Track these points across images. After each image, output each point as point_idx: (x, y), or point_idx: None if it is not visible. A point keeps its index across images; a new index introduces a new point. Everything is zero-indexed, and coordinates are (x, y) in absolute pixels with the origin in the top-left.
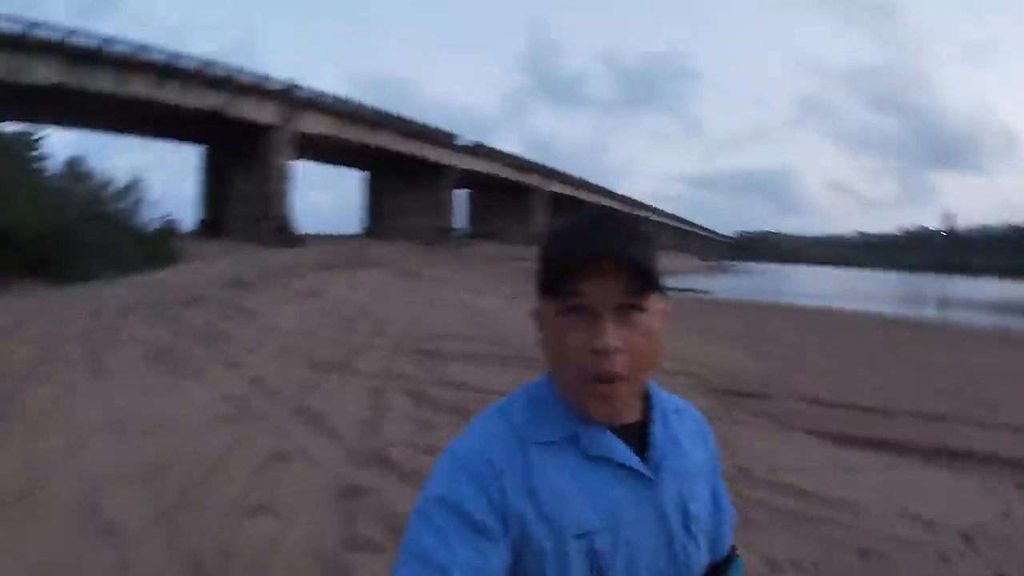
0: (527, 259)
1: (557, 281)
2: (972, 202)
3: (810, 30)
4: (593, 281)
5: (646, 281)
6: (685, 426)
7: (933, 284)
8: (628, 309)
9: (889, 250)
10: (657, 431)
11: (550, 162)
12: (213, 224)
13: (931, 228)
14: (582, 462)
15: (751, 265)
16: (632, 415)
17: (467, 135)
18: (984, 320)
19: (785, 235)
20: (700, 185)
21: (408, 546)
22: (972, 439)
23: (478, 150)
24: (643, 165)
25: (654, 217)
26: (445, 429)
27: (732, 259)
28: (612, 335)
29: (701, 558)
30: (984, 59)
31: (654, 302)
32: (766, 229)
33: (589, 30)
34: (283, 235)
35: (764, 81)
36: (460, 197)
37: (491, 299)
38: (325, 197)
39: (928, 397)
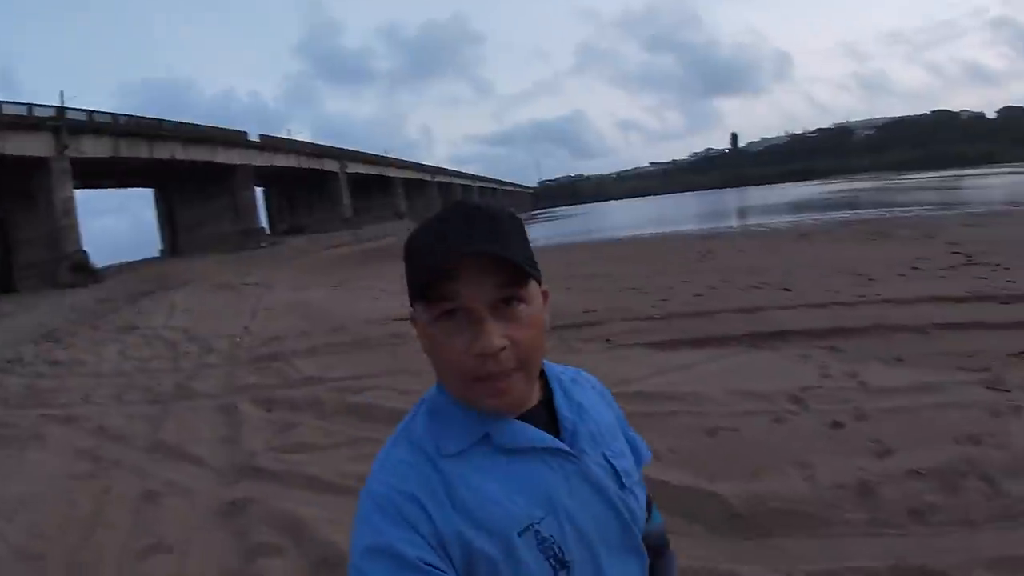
0: (340, 245)
1: (428, 288)
2: (755, 120)
3: None
4: (465, 282)
5: (520, 272)
6: (585, 392)
7: (728, 197)
8: (507, 303)
9: (685, 174)
10: (562, 404)
11: (349, 144)
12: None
13: (718, 148)
14: (501, 459)
15: (558, 211)
16: (533, 398)
17: (257, 131)
18: (777, 220)
19: (586, 177)
20: (498, 143)
21: None
22: (785, 320)
23: (271, 143)
24: (441, 132)
25: (459, 181)
26: (305, 426)
27: (539, 208)
28: (495, 335)
29: (640, 506)
30: None
31: (533, 289)
32: (567, 174)
33: (365, 5)
34: (81, 273)
35: (544, 34)
36: (260, 196)
37: (315, 291)
38: (118, 223)
39: (741, 294)
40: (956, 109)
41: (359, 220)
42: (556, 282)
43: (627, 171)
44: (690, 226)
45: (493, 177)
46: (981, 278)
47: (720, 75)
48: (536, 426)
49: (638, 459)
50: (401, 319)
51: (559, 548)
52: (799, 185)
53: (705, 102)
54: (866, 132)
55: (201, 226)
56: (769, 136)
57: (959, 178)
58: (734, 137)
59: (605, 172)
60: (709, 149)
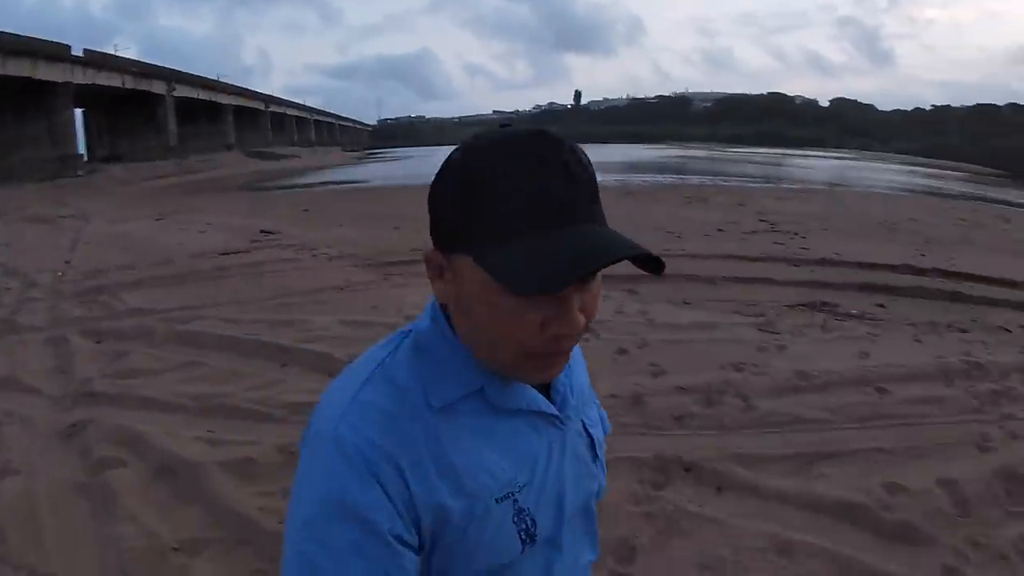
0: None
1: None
2: (600, 79)
3: None
4: None
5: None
6: (574, 354)
7: None
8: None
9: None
10: None
11: (179, 66)
12: None
13: (561, 104)
14: (491, 416)
15: (397, 151)
16: None
17: (81, 45)
18: (608, 179)
19: (427, 119)
20: (340, 75)
21: None
22: None
23: (95, 60)
24: (280, 59)
25: (295, 112)
26: (136, 354)
27: (376, 147)
28: (579, 315)
29: (604, 480)
30: None
31: None
32: (408, 115)
33: None
34: None
35: None
36: (80, 118)
37: (137, 224)
38: None
39: None
40: (791, 94)
41: (185, 149)
42: (387, 222)
43: (469, 116)
44: None
45: (330, 111)
46: (778, 243)
47: (573, 31)
48: (531, 385)
49: (604, 426)
50: (228, 253)
51: (531, 520)
52: (636, 147)
53: (555, 56)
54: (704, 104)
55: (13, 151)
56: (612, 97)
57: (785, 157)
58: (578, 94)
59: (447, 115)
60: (552, 103)
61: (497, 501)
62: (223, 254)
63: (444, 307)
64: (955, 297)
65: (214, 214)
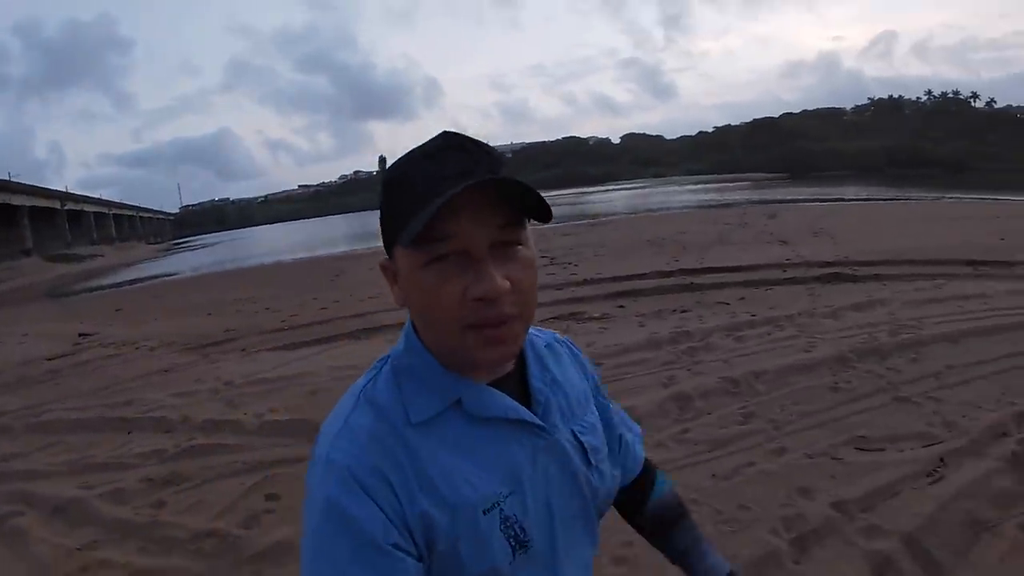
0: None
1: (419, 225)
2: (405, 143)
3: None
4: (466, 221)
5: (523, 210)
6: (561, 359)
7: (375, 219)
8: (505, 245)
9: (334, 196)
10: (535, 375)
11: None
12: None
13: (367, 171)
14: (470, 428)
15: (203, 238)
16: (507, 365)
17: None
18: None
19: (232, 201)
20: (137, 164)
21: None
22: (387, 319)
23: None
24: (73, 151)
25: (92, 208)
26: (2, 445)
27: (181, 236)
28: (498, 276)
29: (605, 483)
30: (408, 19)
31: (527, 231)
32: (211, 198)
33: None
34: None
35: (197, 46)
36: None
37: None
38: None
39: (359, 304)
40: (585, 135)
41: None
42: (200, 310)
43: (276, 194)
44: (332, 249)
45: (130, 203)
46: (551, 273)
47: (373, 99)
48: (509, 394)
49: (608, 430)
50: (54, 357)
51: (520, 528)
52: None
53: (357, 124)
54: (505, 155)
55: None
56: None
57: (583, 194)
58: (382, 160)
59: (253, 195)
60: (358, 172)
61: (484, 512)
62: (50, 359)
63: (415, 329)
64: (689, 287)
65: (27, 324)
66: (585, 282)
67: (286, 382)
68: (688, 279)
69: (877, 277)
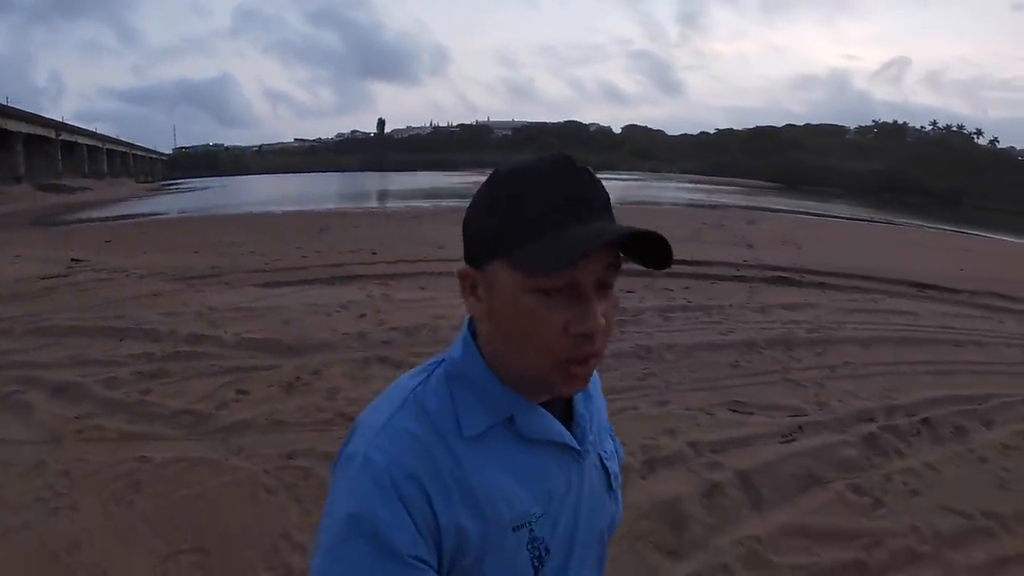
0: None
1: (563, 265)
2: (404, 107)
3: None
4: (588, 259)
5: (621, 254)
6: (595, 383)
7: (367, 181)
8: (604, 284)
9: (328, 154)
10: (579, 399)
11: None
12: None
13: (364, 132)
14: (517, 446)
15: (195, 182)
16: None
17: None
18: (400, 205)
19: (226, 148)
20: (135, 100)
21: None
22: (359, 270)
23: None
24: (74, 81)
25: (86, 141)
26: (3, 343)
27: (172, 178)
28: (600, 314)
29: (619, 513)
30: None
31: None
32: (206, 142)
33: None
34: None
35: None
36: None
37: None
38: None
39: (337, 256)
40: (587, 121)
41: None
42: (187, 248)
43: (270, 144)
44: (322, 205)
45: (124, 139)
46: None
47: (380, 60)
48: (554, 415)
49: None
50: (49, 277)
51: (545, 548)
52: (436, 174)
53: (360, 84)
54: (504, 132)
55: None
56: (415, 126)
57: None
58: (381, 123)
59: (248, 143)
60: (355, 131)
61: (514, 530)
62: (44, 279)
63: (474, 336)
64: (644, 274)
65: (20, 247)
66: None
67: (263, 311)
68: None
69: (821, 285)
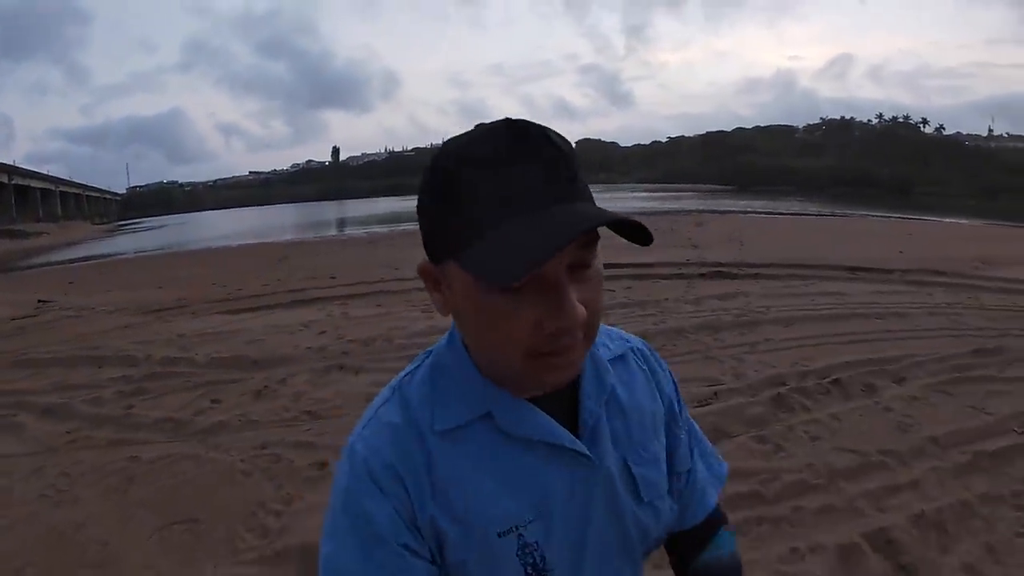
0: None
1: (506, 279)
2: (358, 134)
3: None
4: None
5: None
6: (630, 375)
7: (325, 210)
8: (581, 266)
9: (285, 185)
10: (588, 392)
11: None
12: None
13: (319, 161)
14: (501, 444)
15: (151, 221)
16: None
17: None
18: (359, 231)
19: (180, 184)
20: (86, 140)
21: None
22: (319, 294)
23: None
24: (23, 124)
25: (39, 184)
26: None
27: (128, 218)
28: (577, 305)
29: (660, 522)
30: (372, 9)
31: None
32: (160, 180)
33: None
34: None
35: (156, 23)
36: None
37: None
38: None
39: (297, 283)
40: None
41: None
42: (150, 285)
43: (225, 179)
44: (280, 237)
45: (77, 181)
46: None
47: (331, 88)
48: (554, 412)
49: (675, 460)
50: (18, 318)
51: (540, 556)
52: (394, 199)
53: (312, 113)
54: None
55: None
56: (370, 152)
57: None
58: (336, 151)
59: (202, 179)
60: (310, 161)
61: (499, 535)
62: (15, 319)
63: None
64: None
65: None
66: None
67: (229, 334)
68: None
69: (756, 276)
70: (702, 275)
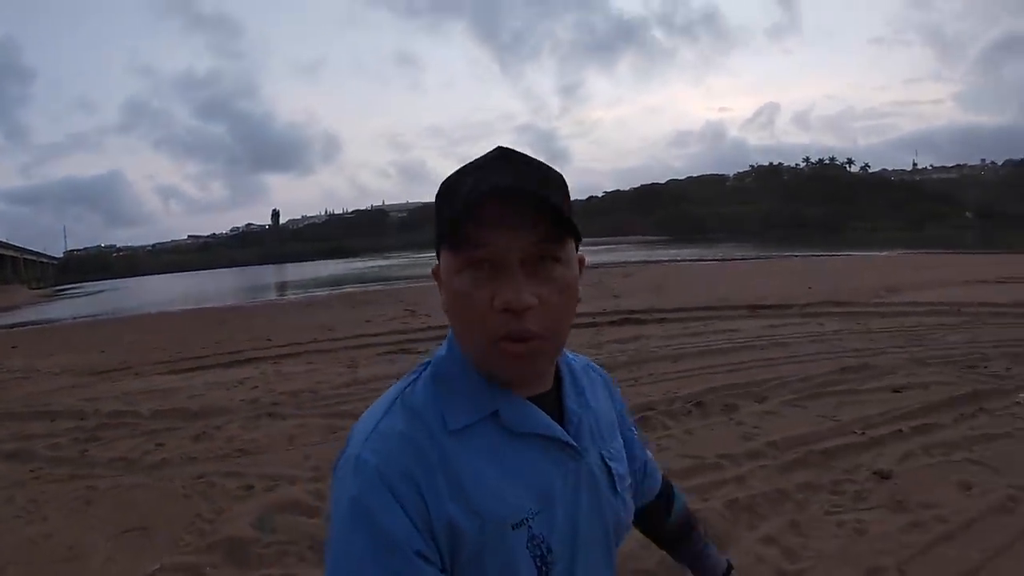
0: None
1: (457, 230)
2: (299, 197)
3: (146, 32)
4: (500, 228)
5: (561, 226)
6: (593, 384)
7: (265, 274)
8: (541, 260)
9: (224, 249)
10: (570, 395)
11: None
12: None
13: (259, 224)
14: (506, 441)
15: (89, 286)
16: (548, 382)
17: None
18: (298, 294)
19: (118, 248)
20: (22, 201)
21: None
22: (254, 353)
23: None
24: None
25: None
26: None
27: (64, 283)
28: (524, 290)
29: (628, 515)
30: (313, 74)
31: (570, 251)
32: (98, 244)
33: None
34: None
35: (97, 83)
36: None
37: None
38: None
39: (235, 343)
40: None
41: None
42: (93, 349)
43: (164, 243)
44: (220, 302)
45: (14, 243)
46: (406, 320)
47: (270, 151)
48: (544, 411)
49: (631, 459)
50: None
51: (547, 548)
52: (336, 262)
53: (252, 176)
54: (399, 215)
55: None
56: (310, 214)
57: None
58: (275, 214)
59: (141, 243)
60: (250, 224)
61: (513, 528)
62: None
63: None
64: None
65: None
66: (429, 328)
67: (171, 391)
68: None
69: (662, 320)
70: (612, 322)
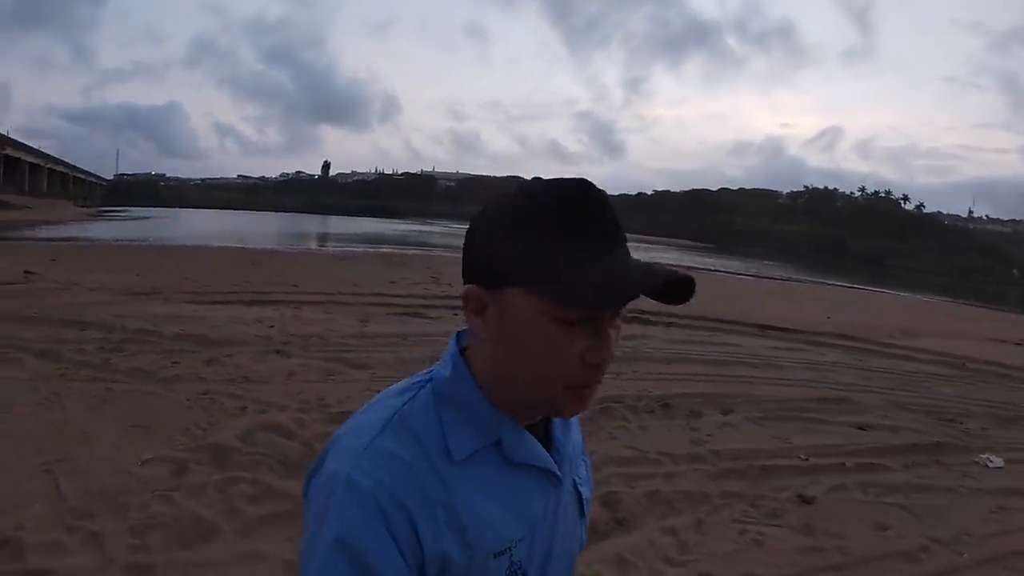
0: None
1: (607, 300)
2: (351, 152)
3: None
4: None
5: (660, 298)
6: None
7: (308, 223)
8: (616, 315)
9: (271, 193)
10: (556, 424)
11: None
12: None
13: (309, 173)
14: (505, 471)
15: (131, 210)
16: None
17: None
18: (334, 247)
19: (167, 178)
20: (80, 120)
21: None
22: (280, 297)
23: None
24: (21, 95)
25: (30, 158)
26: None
27: (111, 205)
28: (614, 345)
29: (586, 534)
30: (382, 32)
31: None
32: (148, 171)
33: None
34: None
35: (168, 16)
36: None
37: None
38: None
39: (264, 285)
40: (529, 177)
41: None
42: (130, 270)
43: (213, 179)
44: (259, 244)
45: (66, 160)
46: (428, 287)
47: (330, 103)
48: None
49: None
50: (5, 284)
51: (523, 574)
52: (378, 221)
53: (308, 126)
54: (447, 183)
55: None
56: (360, 171)
57: None
58: (326, 165)
59: (190, 176)
60: (300, 172)
61: (495, 556)
62: (5, 284)
63: (463, 352)
64: None
65: None
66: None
67: (195, 319)
68: None
69: (670, 324)
70: (623, 321)
